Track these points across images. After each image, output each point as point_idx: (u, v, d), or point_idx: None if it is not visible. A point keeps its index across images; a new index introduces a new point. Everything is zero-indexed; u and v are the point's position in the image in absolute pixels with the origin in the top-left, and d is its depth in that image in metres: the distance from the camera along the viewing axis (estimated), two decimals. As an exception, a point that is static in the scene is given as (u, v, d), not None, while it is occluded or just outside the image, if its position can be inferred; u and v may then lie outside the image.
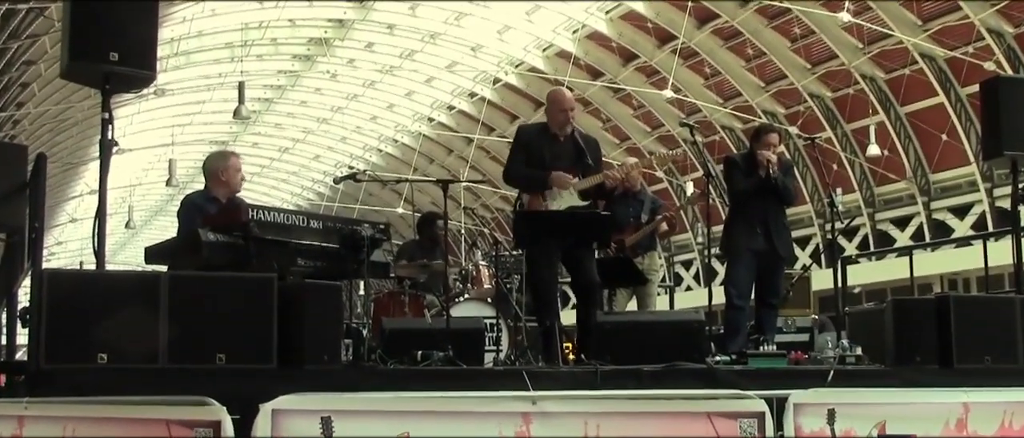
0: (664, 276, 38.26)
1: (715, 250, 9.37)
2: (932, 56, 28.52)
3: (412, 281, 10.34)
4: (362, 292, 9.88)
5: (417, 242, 11.48)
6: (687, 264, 40.07)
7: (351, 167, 46.36)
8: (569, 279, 8.11)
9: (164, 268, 6.93)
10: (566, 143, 8.10)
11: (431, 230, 11.30)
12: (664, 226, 10.46)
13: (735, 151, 26.39)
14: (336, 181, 8.90)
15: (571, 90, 9.12)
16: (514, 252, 10.02)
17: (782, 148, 9.19)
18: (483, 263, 10.96)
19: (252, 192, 50.06)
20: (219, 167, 8.09)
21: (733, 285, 8.64)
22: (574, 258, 7.87)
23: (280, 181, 52.76)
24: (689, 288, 38.91)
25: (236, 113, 28.98)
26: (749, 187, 8.67)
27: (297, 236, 6.91)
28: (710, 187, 8.61)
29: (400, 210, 42.12)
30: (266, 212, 6.84)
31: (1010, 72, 25.19)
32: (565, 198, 7.94)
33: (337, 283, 6.57)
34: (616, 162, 8.78)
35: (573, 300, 8.03)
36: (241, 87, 28.74)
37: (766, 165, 8.63)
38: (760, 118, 32.32)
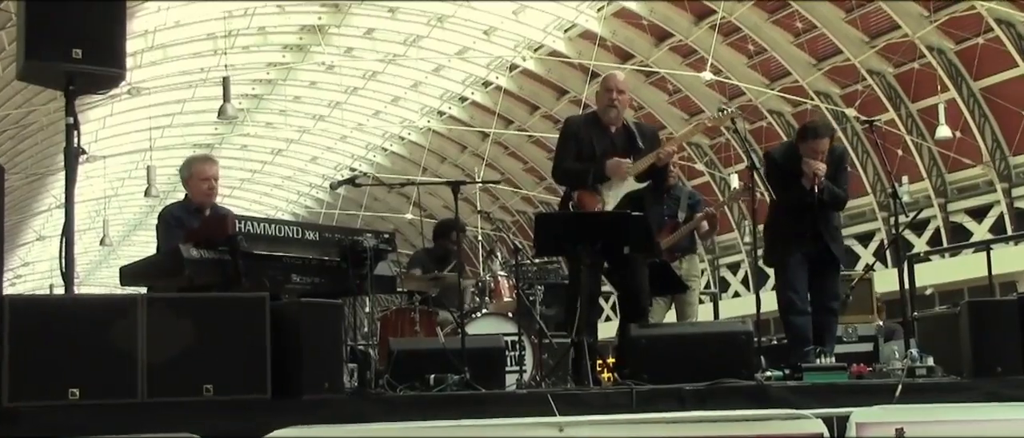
0: (707, 282, 38.35)
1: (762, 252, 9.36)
2: (1010, 22, 28.35)
3: (423, 296, 10.35)
4: (367, 310, 9.89)
5: (427, 252, 11.50)
6: (733, 267, 40.02)
7: (352, 169, 46.57)
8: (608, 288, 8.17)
9: (142, 290, 6.95)
10: (619, 134, 8.24)
11: (448, 239, 11.31)
12: (705, 225, 10.45)
13: (785, 138, 26.34)
14: (333, 186, 8.92)
15: (597, 76, 9.16)
16: (535, 260, 10.02)
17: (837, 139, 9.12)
18: (502, 273, 10.95)
19: (241, 201, 50.30)
20: (184, 175, 8.15)
21: (790, 287, 8.64)
22: (619, 266, 7.98)
23: (272, 187, 52.94)
24: (736, 294, 38.87)
25: (221, 112, 29.07)
26: (791, 201, 8.66)
27: (291, 249, 6.93)
28: (756, 179, 8.59)
29: (409, 216, 42.23)
30: (256, 223, 6.85)
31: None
32: (623, 185, 8.08)
33: (338, 301, 6.58)
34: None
35: (605, 312, 8.04)
36: (226, 83, 28.83)
37: (813, 180, 8.62)
38: (812, 100, 32.25)
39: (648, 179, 8.20)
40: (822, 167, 8.71)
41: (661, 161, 8.18)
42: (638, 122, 8.47)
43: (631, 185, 8.07)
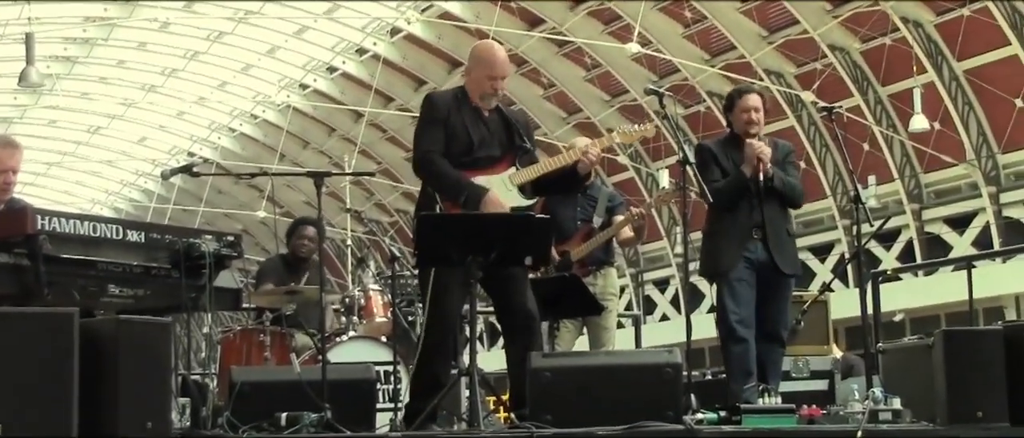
0: (628, 302, 38.52)
1: (697, 265, 9.44)
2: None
3: (275, 314, 10.32)
4: (205, 330, 9.84)
5: (282, 259, 11.47)
6: (661, 284, 40.29)
7: (190, 155, 46.17)
8: (493, 309, 8.14)
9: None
10: (493, 119, 8.15)
11: (301, 242, 11.29)
12: (627, 231, 10.50)
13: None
14: (165, 175, 8.86)
15: (500, 44, 9.14)
16: (417, 270, 10.02)
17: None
18: (375, 287, 10.95)
19: (47, 190, 49.67)
20: None
21: (731, 308, 8.72)
22: (501, 280, 7.90)
23: (88, 175, 52.31)
24: (664, 317, 39.15)
25: (23, 77, 28.62)
26: (729, 189, 8.76)
27: (109, 253, 6.88)
28: (690, 175, 8.66)
29: (262, 214, 42.00)
30: (64, 220, 6.79)
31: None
32: (505, 195, 7.98)
33: (167, 319, 6.54)
34: (561, 145, 8.76)
35: (502, 338, 8.06)
36: (29, 40, 28.38)
37: (756, 165, 8.74)
38: (761, 81, 32.55)
39: (541, 193, 8.22)
40: (767, 149, 8.83)
41: (583, 168, 8.14)
42: (507, 107, 8.34)
43: (514, 199, 8.00)
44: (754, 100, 9.04)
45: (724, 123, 9.40)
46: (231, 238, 7.27)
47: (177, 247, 7.05)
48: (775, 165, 8.92)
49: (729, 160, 9.00)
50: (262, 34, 39.95)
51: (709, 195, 8.49)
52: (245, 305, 10.10)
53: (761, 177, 8.78)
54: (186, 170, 8.86)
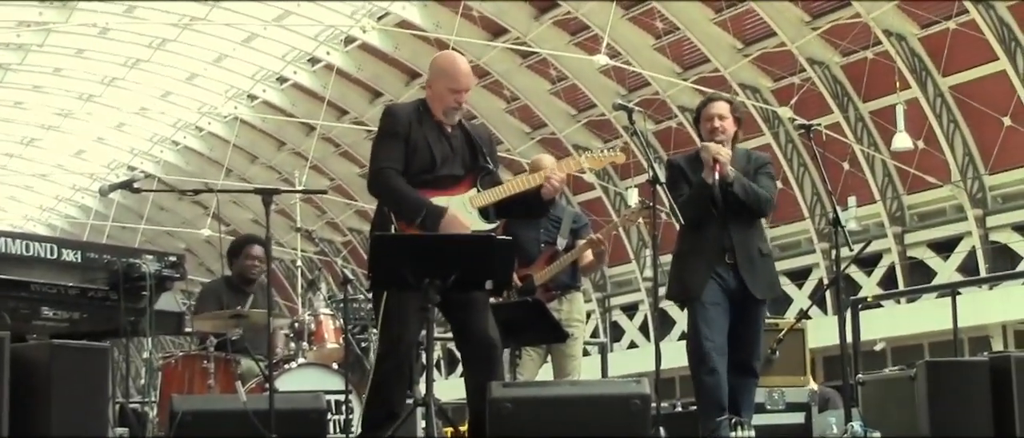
0: (594, 328, 38.49)
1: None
2: (988, 1, 28.76)
3: (220, 339, 10.29)
4: (145, 356, 9.82)
5: (227, 281, 11.44)
6: (629, 309, 40.30)
7: (130, 169, 46.02)
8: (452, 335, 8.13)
9: None
10: (456, 136, 8.14)
11: (249, 263, 11.28)
12: (591, 254, 10.51)
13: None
14: (104, 191, 8.80)
15: (461, 54, 9.13)
16: (371, 294, 10.02)
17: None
18: (327, 311, 10.94)
19: (-23, 206, 49.34)
20: None
21: (705, 331, 8.73)
22: (460, 305, 7.89)
23: (21, 189, 52.11)
24: (633, 345, 39.15)
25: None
26: (692, 201, 8.76)
27: (43, 274, 6.86)
28: (661, 195, 8.66)
29: (206, 232, 41.82)
30: (-6, 238, 6.76)
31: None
32: (466, 218, 7.96)
33: (104, 344, 6.52)
34: (524, 162, 8.76)
35: (460, 366, 8.04)
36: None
37: (713, 165, 8.75)
38: (737, 95, 32.60)
39: (504, 216, 8.23)
40: (726, 151, 8.84)
41: (548, 193, 8.11)
42: (469, 123, 8.33)
43: (475, 223, 7.99)
44: (719, 107, 9.03)
45: (695, 137, 9.39)
46: (173, 258, 7.26)
47: (116, 267, 7.03)
48: (747, 175, 8.90)
49: (695, 174, 8.99)
50: (208, 42, 39.85)
51: (680, 216, 8.47)
52: (188, 329, 10.07)
53: (717, 177, 8.74)
54: (126, 186, 8.82)
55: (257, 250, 11.19)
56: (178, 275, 7.24)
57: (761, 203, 8.96)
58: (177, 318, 7.60)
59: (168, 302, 7.32)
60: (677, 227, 8.72)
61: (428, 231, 7.79)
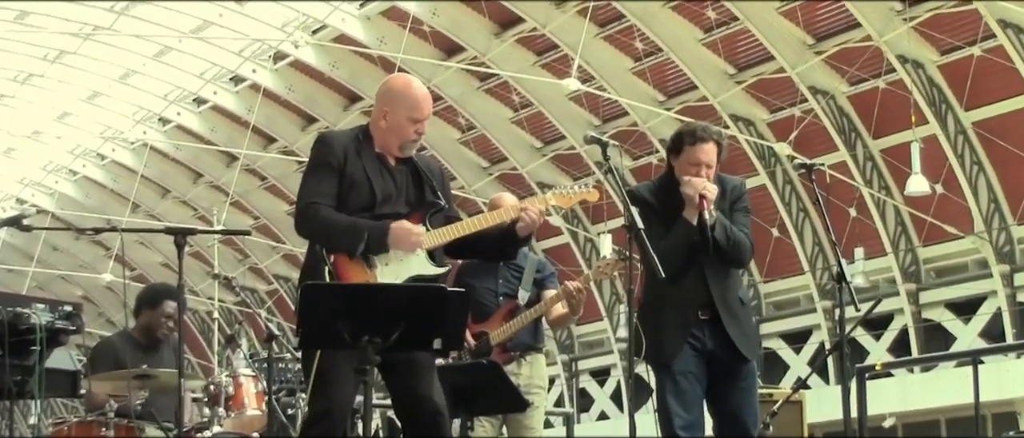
0: (558, 395, 38.54)
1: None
2: (1018, 25, 28.90)
3: (121, 403, 10.21)
4: (32, 421, 9.80)
5: (130, 336, 11.38)
6: (599, 374, 40.36)
7: (19, 202, 45.99)
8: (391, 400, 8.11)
9: None
10: (400, 169, 8.15)
11: (164, 320, 11.19)
12: (559, 309, 10.51)
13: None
14: (-12, 228, 8.80)
15: (408, 73, 9.13)
16: (300, 353, 10.00)
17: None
18: (248, 372, 10.92)
19: None
20: None
21: (676, 407, 8.72)
22: (402, 367, 7.86)
23: None
24: (603, 416, 39.20)
25: None
26: (675, 250, 8.71)
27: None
28: (642, 244, 8.64)
29: (108, 277, 41.87)
30: None
31: None
32: (410, 263, 7.95)
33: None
34: (482, 201, 8.74)
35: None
36: None
37: (697, 204, 8.70)
38: (726, 128, 32.67)
39: (456, 257, 8.25)
40: (712, 187, 8.80)
41: (524, 229, 8.15)
42: (420, 155, 8.36)
43: (421, 265, 8.01)
44: (707, 154, 8.86)
45: (666, 163, 9.26)
46: (69, 308, 7.24)
47: (0, 318, 7.00)
48: (722, 212, 8.84)
49: (665, 207, 8.89)
50: (114, 55, 39.84)
51: (659, 269, 8.37)
52: (83, 391, 10.01)
53: (705, 215, 8.69)
54: (14, 222, 8.80)
55: (171, 307, 11.11)
56: (74, 327, 7.22)
57: (741, 252, 8.97)
58: (71, 378, 7.59)
59: (61, 359, 7.30)
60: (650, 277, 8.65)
61: (374, 254, 7.80)
